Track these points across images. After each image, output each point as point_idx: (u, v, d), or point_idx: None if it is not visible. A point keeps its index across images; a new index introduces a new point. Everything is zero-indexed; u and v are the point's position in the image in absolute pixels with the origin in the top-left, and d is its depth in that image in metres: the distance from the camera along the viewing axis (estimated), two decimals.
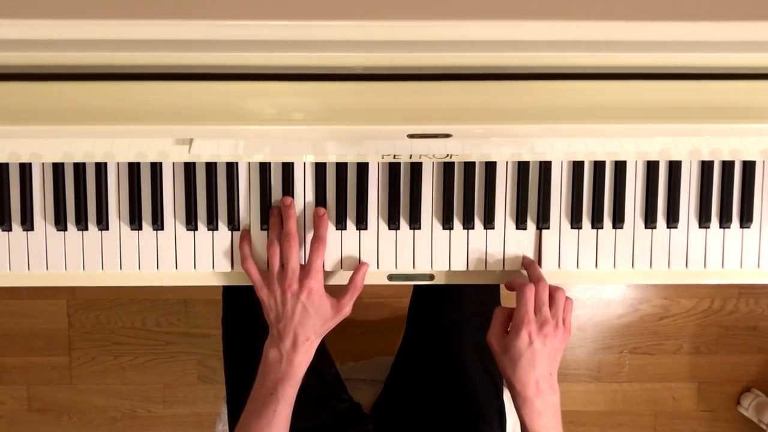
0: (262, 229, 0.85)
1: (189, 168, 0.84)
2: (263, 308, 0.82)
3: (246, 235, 0.84)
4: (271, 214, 0.84)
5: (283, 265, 0.81)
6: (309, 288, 0.80)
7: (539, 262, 0.86)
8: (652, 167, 0.85)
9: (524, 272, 0.86)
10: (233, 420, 0.99)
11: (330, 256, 0.85)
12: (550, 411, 0.80)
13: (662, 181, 0.86)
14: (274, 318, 0.81)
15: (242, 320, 1.03)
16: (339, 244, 0.85)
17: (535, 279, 0.81)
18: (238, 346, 1.02)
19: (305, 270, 0.81)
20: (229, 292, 1.06)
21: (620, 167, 0.85)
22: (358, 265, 0.85)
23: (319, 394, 1.00)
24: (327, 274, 0.86)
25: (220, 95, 0.67)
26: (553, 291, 0.81)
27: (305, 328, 0.80)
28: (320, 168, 0.84)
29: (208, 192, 0.84)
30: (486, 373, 1.02)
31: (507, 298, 1.18)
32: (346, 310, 0.83)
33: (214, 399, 1.76)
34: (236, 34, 0.60)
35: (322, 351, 1.07)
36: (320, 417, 0.99)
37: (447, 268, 0.86)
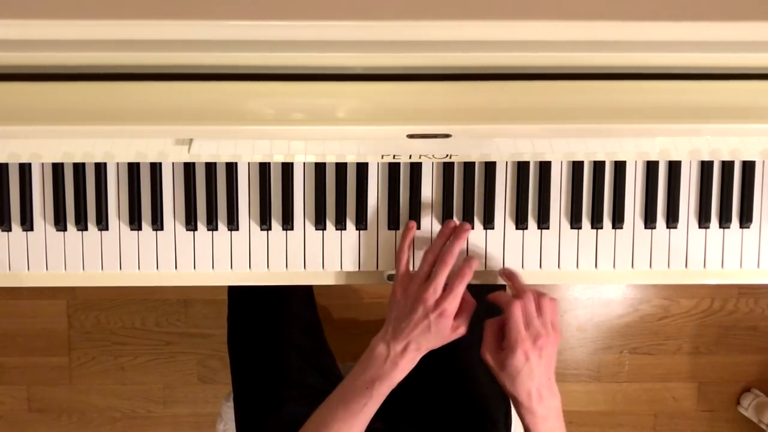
0: (261, 230, 0.85)
1: (189, 168, 0.84)
2: (390, 299, 0.81)
3: (412, 227, 0.84)
4: (446, 226, 0.84)
5: (429, 278, 0.80)
6: (443, 310, 0.78)
7: (539, 263, 0.86)
8: (651, 167, 0.85)
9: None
10: (240, 417, 0.99)
11: (330, 256, 0.85)
12: (553, 414, 0.80)
13: (662, 181, 0.86)
14: (396, 317, 0.80)
15: (248, 317, 1.03)
16: (339, 244, 0.85)
17: (520, 291, 0.81)
18: (244, 343, 1.02)
19: (446, 291, 0.79)
20: (233, 291, 1.06)
21: (620, 167, 0.85)
22: (465, 299, 0.82)
23: (324, 391, 1.00)
24: (327, 274, 0.86)
25: (220, 95, 0.67)
26: (539, 300, 0.80)
27: (420, 341, 0.79)
28: (320, 168, 0.84)
29: (207, 192, 0.84)
30: (490, 372, 1.02)
31: None
32: (462, 330, 0.82)
33: (214, 399, 1.76)
34: (236, 34, 0.60)
35: (325, 349, 1.07)
36: None
37: None
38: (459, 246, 0.82)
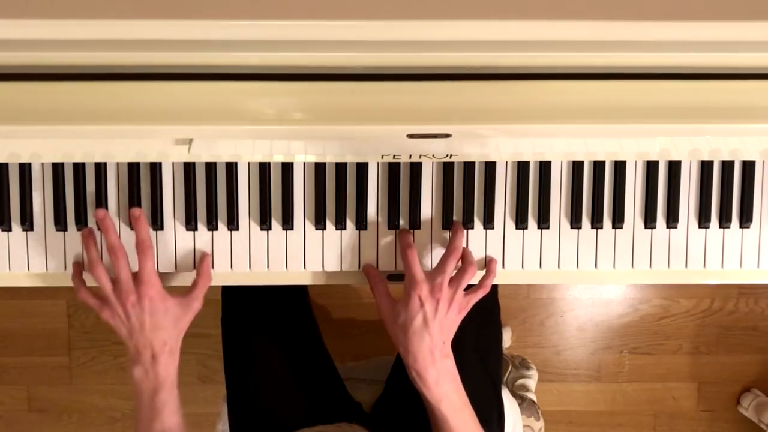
0: (261, 230, 0.85)
1: (189, 168, 0.84)
2: (115, 330, 0.80)
3: (77, 266, 0.83)
4: (82, 236, 0.81)
5: (114, 281, 0.79)
6: (148, 295, 0.78)
7: (539, 263, 0.86)
8: (651, 167, 0.85)
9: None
10: (233, 420, 0.99)
11: (330, 256, 0.85)
12: (446, 377, 0.79)
13: (662, 181, 0.86)
14: (126, 335, 0.79)
15: (241, 319, 1.03)
16: (339, 244, 0.85)
17: (451, 247, 0.81)
18: (237, 345, 1.02)
19: (138, 278, 0.78)
20: (228, 291, 1.06)
21: (620, 167, 0.85)
22: (201, 256, 0.84)
23: (319, 394, 1.00)
24: (326, 275, 0.86)
25: (220, 95, 0.67)
26: (466, 264, 0.80)
27: (159, 335, 0.78)
28: (320, 168, 0.84)
29: (207, 192, 0.84)
30: (485, 373, 1.02)
31: (504, 297, 1.19)
32: (196, 304, 0.81)
33: (214, 399, 1.76)
34: (236, 34, 0.60)
35: (321, 350, 1.07)
36: (320, 416, 0.99)
37: None
38: (113, 234, 0.80)
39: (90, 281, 0.82)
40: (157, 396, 0.78)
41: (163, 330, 0.78)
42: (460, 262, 0.83)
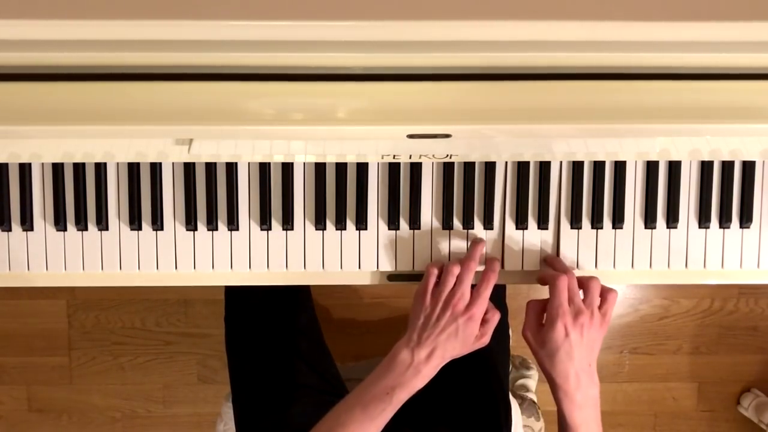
0: (262, 230, 0.85)
1: (189, 168, 0.84)
2: (414, 309, 0.81)
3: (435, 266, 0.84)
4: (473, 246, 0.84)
5: (455, 285, 0.80)
6: (471, 314, 0.79)
7: (539, 263, 0.86)
8: (651, 167, 0.85)
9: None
10: (239, 418, 0.99)
11: (329, 256, 0.85)
12: (591, 403, 0.79)
13: (662, 181, 0.86)
14: (421, 324, 0.79)
15: (245, 318, 1.03)
16: (339, 244, 0.85)
17: (563, 271, 0.81)
18: (241, 344, 1.02)
19: (475, 294, 0.80)
20: (230, 291, 1.06)
21: (620, 167, 0.85)
22: (492, 312, 0.83)
23: (322, 391, 1.00)
24: (325, 275, 0.86)
25: (220, 95, 0.67)
26: (586, 280, 0.80)
27: (445, 348, 0.79)
28: (320, 168, 0.84)
29: (207, 192, 0.84)
30: (492, 374, 1.02)
31: (511, 297, 1.19)
32: (485, 339, 0.82)
33: (214, 399, 1.76)
34: (236, 34, 0.60)
35: (323, 349, 1.07)
36: (320, 415, 0.99)
37: None
38: (479, 250, 0.83)
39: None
40: (400, 389, 0.77)
41: (451, 348, 0.79)
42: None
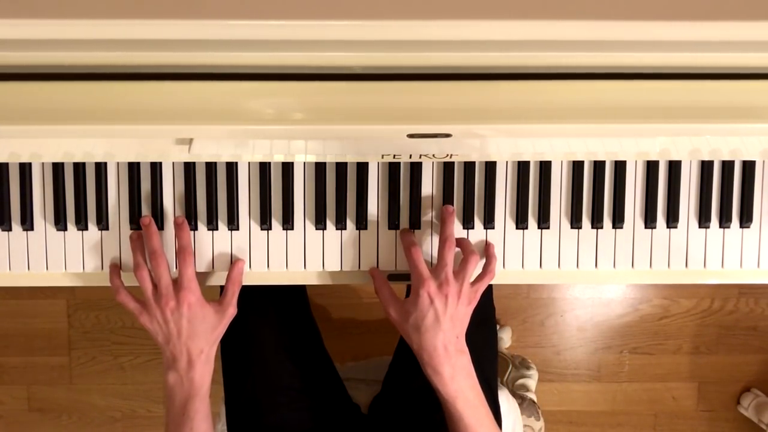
0: (262, 230, 0.85)
1: (189, 168, 0.84)
2: (150, 335, 0.81)
3: (115, 268, 0.83)
4: (131, 239, 0.82)
5: (155, 285, 0.79)
6: (187, 301, 0.78)
7: (539, 262, 0.86)
8: (652, 167, 0.85)
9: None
10: (231, 421, 0.99)
11: (330, 256, 0.85)
12: (461, 373, 0.78)
13: (662, 181, 0.86)
14: (163, 340, 0.79)
15: (239, 320, 1.03)
16: (339, 244, 0.85)
17: (443, 237, 0.80)
18: (235, 346, 1.02)
19: (178, 284, 0.79)
20: None
21: (620, 167, 0.85)
22: (234, 262, 0.84)
23: (318, 395, 1.00)
24: (325, 275, 0.86)
25: (220, 95, 0.67)
26: (467, 254, 0.79)
27: (196, 341, 0.78)
28: (320, 168, 0.84)
29: (207, 192, 0.84)
30: (481, 374, 1.02)
31: (504, 297, 1.18)
32: (231, 310, 0.82)
33: (213, 399, 1.75)
34: (236, 34, 0.60)
35: (320, 351, 1.07)
36: (319, 418, 0.99)
37: None
38: (156, 240, 0.81)
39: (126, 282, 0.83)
40: (191, 403, 0.78)
41: (200, 337, 0.79)
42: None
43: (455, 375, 0.77)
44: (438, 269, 0.79)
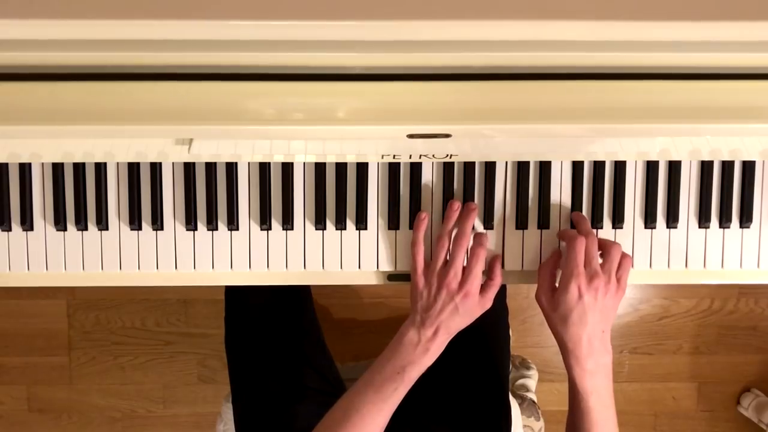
0: (261, 230, 0.85)
1: (189, 168, 0.84)
2: (412, 292, 0.82)
3: (426, 217, 0.84)
4: (450, 208, 0.84)
5: (446, 263, 0.81)
6: (466, 291, 0.79)
7: (539, 262, 0.86)
8: (651, 167, 0.85)
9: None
10: (239, 417, 1.00)
11: (330, 256, 0.85)
12: (602, 371, 0.78)
13: (662, 181, 0.86)
14: (422, 306, 0.80)
15: (246, 319, 1.03)
16: (339, 243, 0.85)
17: (585, 233, 0.80)
18: (242, 344, 1.02)
19: (466, 273, 0.80)
20: (230, 291, 1.06)
21: (620, 167, 0.85)
22: (493, 258, 0.84)
23: (322, 391, 1.00)
24: (325, 274, 0.86)
25: (220, 95, 0.67)
26: (608, 245, 0.80)
27: (449, 324, 0.80)
28: (320, 168, 0.84)
29: (207, 192, 0.84)
30: (491, 373, 1.02)
31: (510, 297, 1.18)
32: (487, 304, 0.82)
33: (214, 399, 1.76)
34: (237, 34, 0.60)
35: (322, 349, 1.07)
36: (321, 417, 0.99)
37: None
38: (469, 226, 0.83)
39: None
40: (411, 368, 0.79)
41: (455, 323, 0.80)
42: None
43: (596, 372, 0.78)
44: (588, 263, 0.78)
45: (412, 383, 0.80)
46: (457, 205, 0.83)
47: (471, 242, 0.83)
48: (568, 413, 0.82)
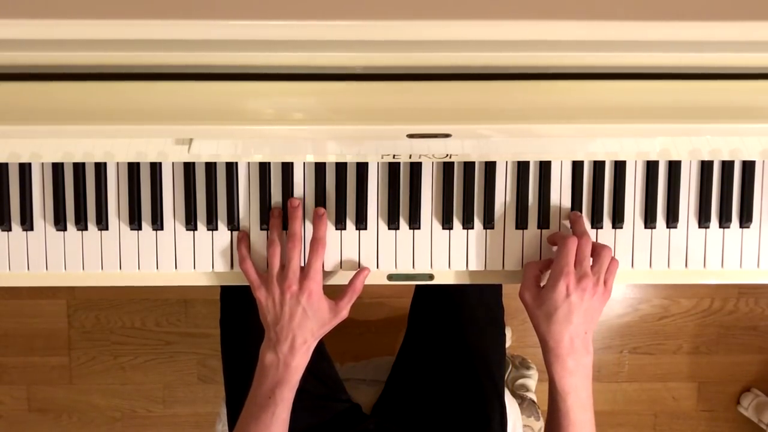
0: (261, 229, 0.85)
1: (189, 168, 0.84)
2: (260, 310, 0.82)
3: (244, 236, 0.84)
4: (271, 215, 0.83)
5: (283, 266, 0.80)
6: (309, 290, 0.79)
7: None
8: (651, 167, 0.85)
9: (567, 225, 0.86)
10: (232, 420, 0.99)
11: (330, 256, 0.85)
12: (582, 372, 0.78)
13: (662, 181, 0.86)
14: (272, 320, 0.80)
15: (240, 321, 1.03)
16: (339, 244, 0.85)
17: (579, 233, 0.80)
18: (236, 347, 1.02)
19: (305, 271, 0.80)
20: (226, 293, 1.06)
21: (620, 167, 0.85)
22: (359, 269, 0.84)
23: (318, 394, 1.00)
24: (326, 274, 0.86)
25: (220, 95, 0.67)
26: (599, 248, 0.80)
27: (303, 331, 0.79)
28: (320, 168, 0.84)
29: (207, 192, 0.84)
30: (487, 373, 1.02)
31: (504, 297, 1.18)
32: (344, 313, 0.82)
33: (214, 399, 1.76)
34: (236, 34, 0.60)
35: (320, 351, 1.07)
36: (319, 417, 0.99)
37: (447, 268, 0.86)
38: (298, 224, 0.82)
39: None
40: (280, 389, 0.79)
41: (308, 328, 0.79)
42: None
43: (576, 372, 0.78)
44: (579, 263, 0.78)
45: (290, 401, 0.79)
46: (296, 203, 0.82)
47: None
48: (547, 416, 0.82)
